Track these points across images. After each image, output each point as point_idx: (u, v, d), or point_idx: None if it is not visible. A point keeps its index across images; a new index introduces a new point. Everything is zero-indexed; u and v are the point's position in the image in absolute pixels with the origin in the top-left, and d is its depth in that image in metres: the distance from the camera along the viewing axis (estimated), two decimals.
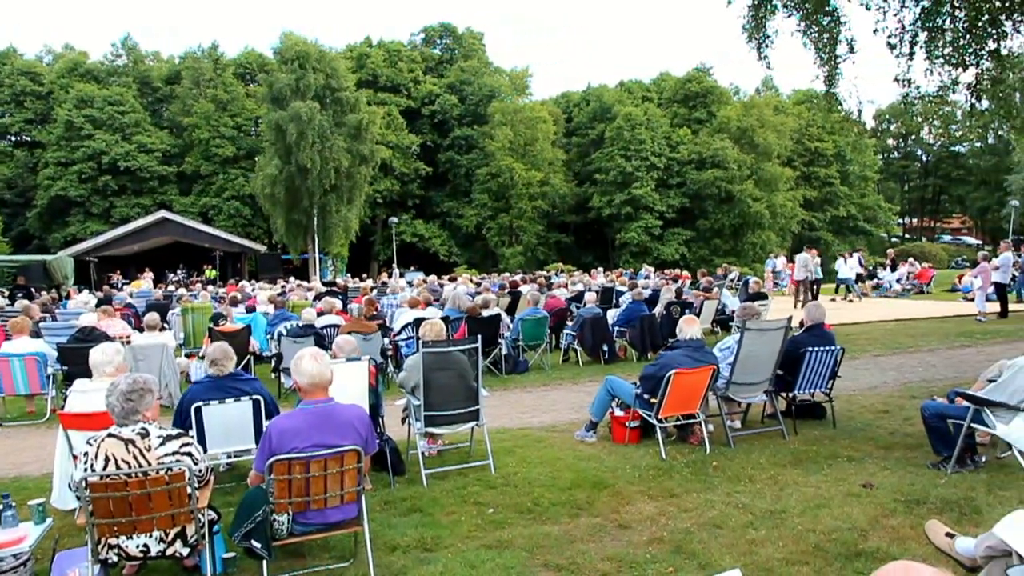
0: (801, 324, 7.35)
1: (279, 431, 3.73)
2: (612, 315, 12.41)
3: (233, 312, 12.41)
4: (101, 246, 34.61)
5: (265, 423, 4.94)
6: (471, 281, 22.22)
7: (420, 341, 5.89)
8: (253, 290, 20.14)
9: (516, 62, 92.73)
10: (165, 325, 12.11)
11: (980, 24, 10.87)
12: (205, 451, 4.54)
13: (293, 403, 4.54)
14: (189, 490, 3.47)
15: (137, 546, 3.51)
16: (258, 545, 3.65)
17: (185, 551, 3.61)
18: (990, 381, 5.39)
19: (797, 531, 4.34)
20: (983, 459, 5.46)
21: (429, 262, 46.66)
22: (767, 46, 12.19)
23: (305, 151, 35.27)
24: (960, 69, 11.32)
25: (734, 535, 4.35)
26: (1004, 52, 11.02)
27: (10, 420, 8.93)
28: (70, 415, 4.79)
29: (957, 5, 11.04)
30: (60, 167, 42.08)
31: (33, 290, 21.66)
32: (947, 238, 63.61)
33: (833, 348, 6.73)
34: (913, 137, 66.57)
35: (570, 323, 12.38)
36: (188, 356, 10.98)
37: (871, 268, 27.14)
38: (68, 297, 20.75)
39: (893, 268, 25.03)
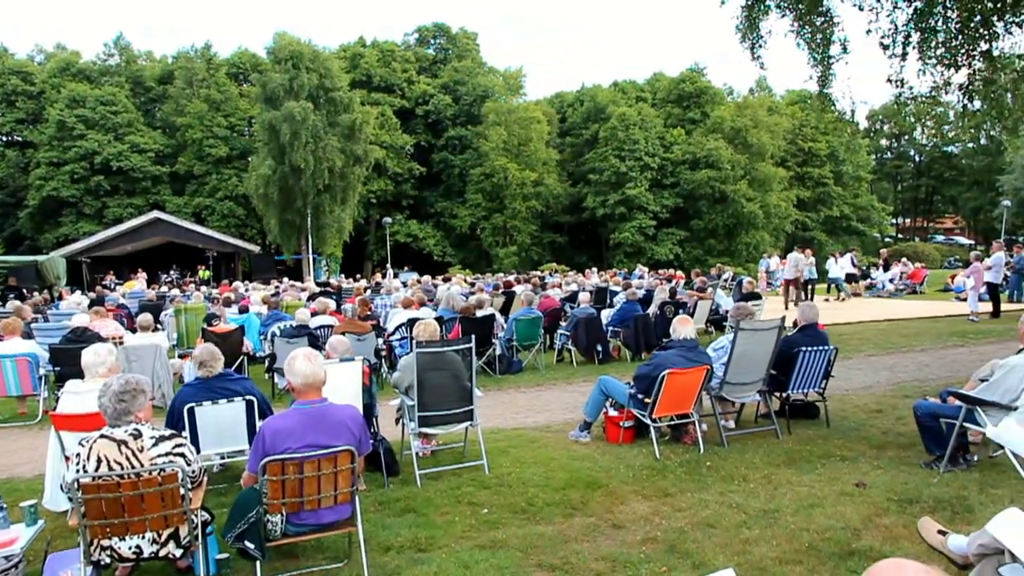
0: (795, 324, 7.37)
1: (272, 431, 3.72)
2: (606, 315, 12.43)
3: (227, 313, 12.37)
4: (94, 246, 34.44)
5: (258, 423, 4.93)
6: (465, 281, 22.24)
7: (414, 341, 5.88)
8: (247, 291, 20.05)
9: (516, 62, 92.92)
10: (158, 326, 12.06)
11: (972, 25, 10.91)
12: (198, 452, 4.53)
13: (287, 403, 4.53)
14: (182, 491, 3.46)
15: (130, 547, 3.50)
16: (251, 546, 3.64)
17: (178, 552, 3.60)
18: (982, 380, 5.41)
19: (791, 530, 4.35)
20: (975, 458, 5.48)
21: (423, 262, 46.59)
22: (760, 46, 12.22)
23: (299, 151, 35.19)
24: (952, 70, 11.36)
25: (728, 534, 4.36)
26: (996, 53, 11.06)
27: (2, 421, 8.87)
28: (62, 416, 4.77)
29: (949, 6, 11.08)
30: (52, 167, 41.83)
31: (25, 291, 21.58)
32: (940, 238, 63.91)
33: (826, 348, 6.75)
34: (906, 137, 66.86)
35: (564, 323, 12.37)
36: (181, 357, 10.93)
37: (864, 268, 27.22)
38: (60, 298, 20.70)
39: (886, 268, 25.11)
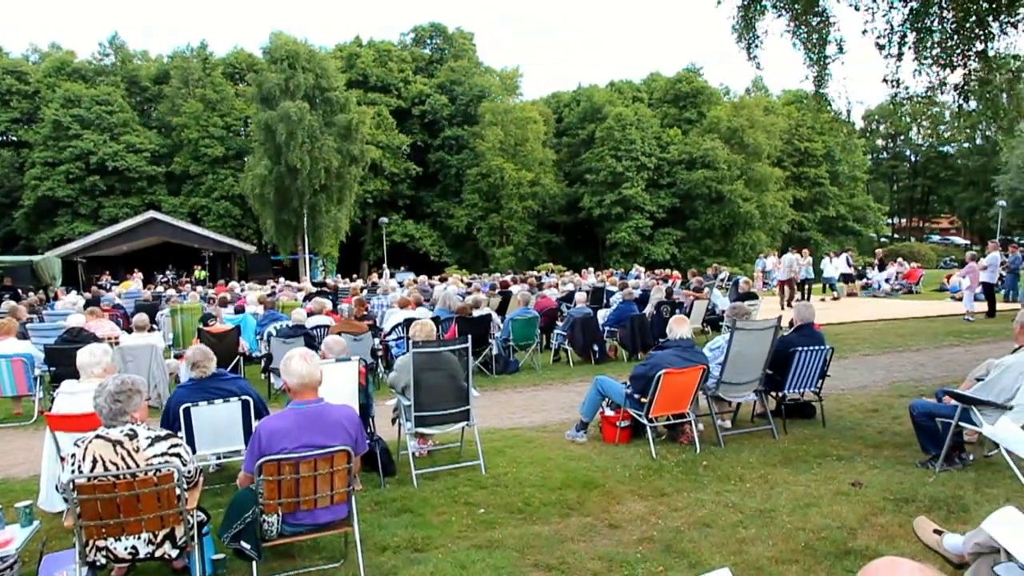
0: (791, 324, 7.37)
1: (268, 432, 3.71)
2: (602, 315, 12.42)
3: (223, 313, 12.36)
4: (89, 247, 34.40)
5: (254, 423, 4.92)
6: (461, 281, 22.23)
7: (410, 341, 5.88)
8: (243, 291, 20.07)
9: (516, 62, 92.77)
10: (154, 326, 12.05)
11: (968, 25, 10.93)
12: (194, 452, 4.52)
13: (283, 404, 4.52)
14: (178, 491, 3.45)
15: (125, 548, 3.49)
16: (247, 546, 3.63)
17: (174, 553, 3.59)
18: (978, 380, 5.42)
19: (787, 530, 4.36)
20: (971, 457, 5.49)
21: (419, 262, 46.59)
22: (757, 46, 12.22)
23: (295, 151, 35.17)
24: (948, 70, 11.39)
25: (724, 534, 4.36)
26: (991, 53, 11.09)
27: None
28: (58, 416, 4.76)
29: (945, 6, 11.10)
30: (47, 167, 41.75)
31: (20, 291, 21.51)
32: (936, 238, 63.97)
33: (822, 348, 6.75)
34: (902, 137, 67.00)
35: (560, 323, 12.38)
36: (177, 357, 10.91)
37: (860, 268, 27.26)
38: (56, 298, 20.64)
39: (881, 268, 25.17)
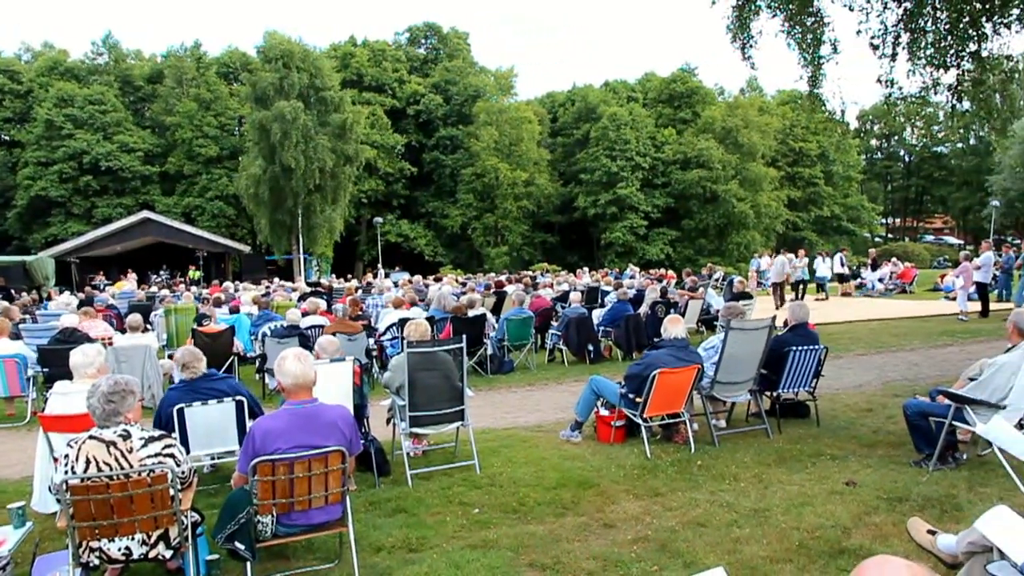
0: (785, 323, 7.39)
1: (263, 432, 3.70)
2: (597, 315, 12.43)
3: (217, 313, 12.32)
4: (83, 247, 34.24)
5: (248, 423, 4.91)
6: (456, 281, 22.19)
7: (405, 341, 5.87)
8: (237, 291, 20.00)
9: (516, 62, 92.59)
10: (148, 326, 12.00)
11: (961, 26, 10.99)
12: (188, 453, 4.51)
13: (277, 404, 4.51)
14: (172, 492, 3.44)
15: (119, 549, 3.48)
16: (242, 547, 3.62)
17: (168, 553, 3.58)
18: (971, 379, 5.44)
19: (781, 529, 4.36)
20: (964, 456, 5.51)
21: (414, 262, 46.51)
22: (751, 46, 12.28)
23: (289, 151, 35.08)
24: (942, 70, 11.45)
25: (718, 533, 4.37)
26: (984, 54, 11.14)
27: None
28: (51, 417, 4.74)
29: (939, 7, 11.15)
30: (40, 167, 41.55)
31: (13, 291, 21.44)
32: (929, 238, 64.24)
33: (817, 347, 6.77)
34: (896, 138, 67.16)
35: (555, 323, 12.38)
36: (171, 358, 10.87)
37: (854, 268, 27.34)
38: (49, 298, 20.57)
39: (874, 268, 25.25)
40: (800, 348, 6.63)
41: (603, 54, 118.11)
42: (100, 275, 30.58)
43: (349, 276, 36.21)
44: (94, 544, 3.45)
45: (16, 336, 10.01)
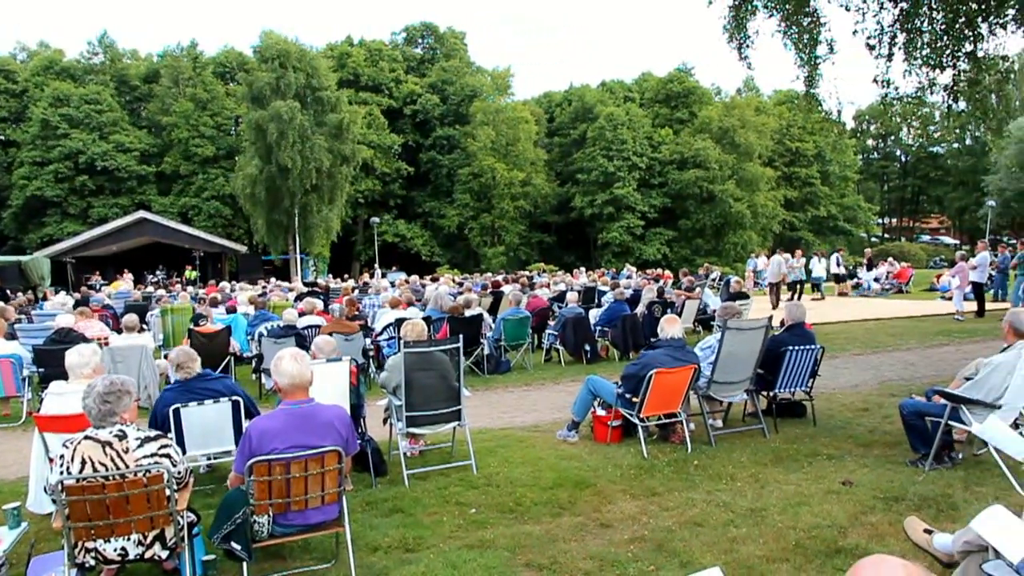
0: (782, 323, 7.40)
1: (259, 432, 3.70)
2: (594, 315, 12.43)
3: (213, 313, 12.30)
4: (79, 247, 34.16)
5: (245, 423, 4.90)
6: (453, 281, 22.19)
7: (402, 341, 5.87)
8: (233, 291, 19.96)
9: (515, 62, 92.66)
10: (144, 326, 11.97)
11: (957, 26, 11.01)
12: (184, 453, 4.50)
13: (273, 404, 4.51)
14: (168, 492, 3.43)
15: (115, 549, 3.47)
16: (238, 547, 3.62)
17: (164, 554, 3.57)
18: (967, 379, 5.45)
19: (777, 529, 4.37)
20: (960, 456, 5.52)
21: (411, 262, 46.45)
22: (748, 46, 12.26)
23: (286, 151, 35.02)
24: (938, 71, 11.46)
25: (715, 533, 4.37)
26: (980, 54, 11.16)
27: None
28: (46, 417, 4.73)
29: (935, 7, 11.17)
30: (36, 166, 41.42)
31: (8, 291, 21.38)
32: (926, 238, 64.38)
33: (813, 347, 6.78)
34: (892, 138, 67.31)
35: (552, 323, 12.38)
36: (167, 358, 10.85)
37: (850, 268, 27.39)
38: (44, 298, 20.53)
39: (869, 267, 25.29)
40: (796, 348, 6.64)
41: (602, 54, 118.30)
42: (96, 275, 30.52)
43: (346, 276, 36.18)
44: (90, 545, 3.44)
45: (12, 336, 9.97)
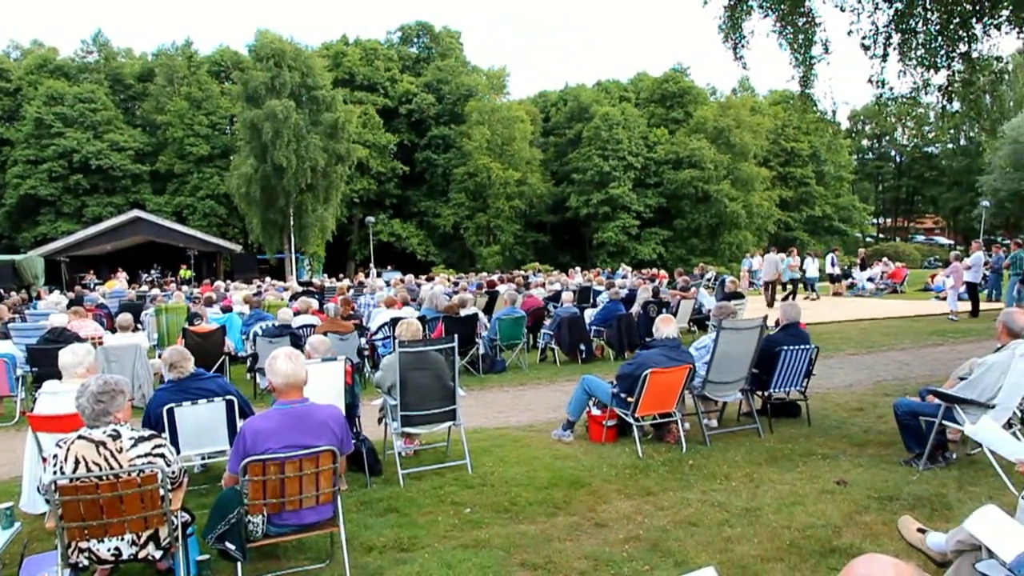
0: (776, 323, 7.41)
1: (253, 432, 3.69)
2: (589, 314, 12.43)
3: (208, 312, 12.27)
4: (73, 246, 34.08)
5: (239, 423, 4.89)
6: (448, 280, 22.20)
7: (397, 341, 5.86)
8: (228, 290, 19.95)
9: (515, 62, 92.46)
10: (138, 326, 11.96)
11: (952, 27, 11.03)
12: (178, 453, 4.49)
13: (268, 403, 4.50)
14: (162, 492, 3.42)
15: (108, 549, 3.46)
16: (232, 547, 3.61)
17: (158, 554, 3.56)
18: (961, 379, 5.47)
19: (772, 528, 4.37)
20: (954, 456, 5.54)
21: (406, 262, 46.44)
22: (743, 46, 12.27)
23: (281, 150, 34.99)
24: (932, 71, 11.49)
25: (710, 533, 4.37)
26: (975, 55, 11.19)
27: None
28: (40, 417, 4.71)
29: (929, 8, 11.20)
30: (29, 165, 41.32)
31: (2, 291, 21.32)
32: (920, 238, 64.48)
33: (808, 347, 6.79)
34: (887, 138, 67.44)
35: (547, 323, 12.38)
36: (161, 357, 10.82)
37: (845, 268, 27.47)
38: (38, 297, 20.43)
39: (863, 267, 25.36)
40: (791, 348, 6.65)
41: (601, 54, 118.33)
42: (90, 274, 30.47)
43: (341, 275, 36.12)
44: (83, 545, 3.43)
45: (5, 335, 9.95)
